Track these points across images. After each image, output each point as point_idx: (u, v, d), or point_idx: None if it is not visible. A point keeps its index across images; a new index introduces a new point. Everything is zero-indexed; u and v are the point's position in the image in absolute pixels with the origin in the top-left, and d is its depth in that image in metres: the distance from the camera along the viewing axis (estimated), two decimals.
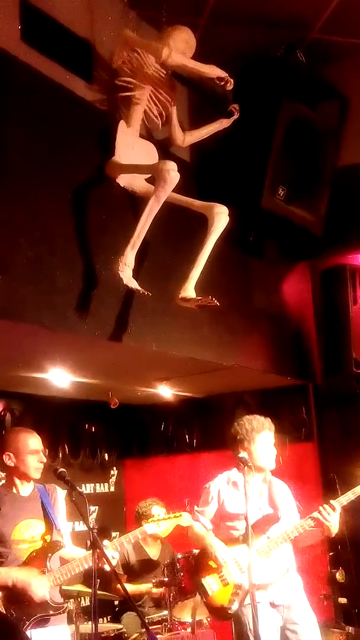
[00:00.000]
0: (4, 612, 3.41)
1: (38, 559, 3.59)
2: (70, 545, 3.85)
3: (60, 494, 3.92)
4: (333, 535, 3.91)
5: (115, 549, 3.72)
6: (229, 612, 3.80)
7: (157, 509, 5.25)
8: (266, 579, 3.79)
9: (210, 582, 3.92)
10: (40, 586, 3.48)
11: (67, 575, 3.60)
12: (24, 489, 3.79)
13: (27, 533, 3.65)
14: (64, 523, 3.87)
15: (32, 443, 3.77)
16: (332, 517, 3.79)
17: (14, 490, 3.78)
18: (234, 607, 3.78)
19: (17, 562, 3.58)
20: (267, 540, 3.87)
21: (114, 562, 3.64)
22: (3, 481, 4.15)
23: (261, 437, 4.01)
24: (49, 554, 3.63)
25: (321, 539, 4.00)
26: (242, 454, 3.89)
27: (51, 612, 3.53)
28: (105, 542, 3.72)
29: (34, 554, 3.60)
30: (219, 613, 3.92)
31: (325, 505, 3.82)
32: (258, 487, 4.05)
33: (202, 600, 4.03)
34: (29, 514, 3.71)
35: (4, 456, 3.78)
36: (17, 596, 3.45)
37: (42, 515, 3.74)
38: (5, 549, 3.59)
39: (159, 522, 3.94)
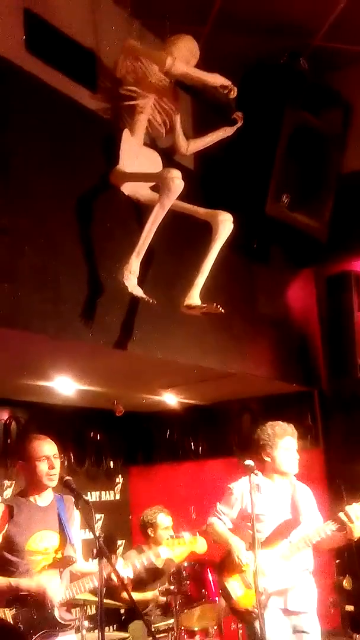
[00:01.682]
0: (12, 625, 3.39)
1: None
2: (81, 560, 3.76)
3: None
4: (356, 539, 3.85)
5: (128, 567, 3.64)
6: (254, 615, 3.81)
7: (163, 517, 5.24)
8: (285, 584, 3.79)
9: (234, 586, 3.96)
10: (55, 591, 3.45)
11: (78, 593, 3.54)
12: (42, 499, 3.67)
13: (42, 544, 3.57)
14: (77, 536, 3.75)
15: (41, 449, 3.63)
16: (358, 520, 3.76)
17: (32, 500, 3.66)
18: (258, 609, 3.76)
19: (29, 574, 3.51)
20: (289, 545, 3.88)
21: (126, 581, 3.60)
22: (10, 488, 4.14)
23: (284, 442, 4.05)
24: (61, 570, 3.56)
25: (344, 542, 3.95)
26: (248, 462, 3.89)
27: (58, 629, 3.48)
28: (120, 561, 3.64)
29: (46, 569, 3.53)
30: (243, 617, 3.96)
31: (349, 508, 3.79)
32: (281, 491, 4.07)
33: (225, 603, 4.05)
34: (45, 525, 3.61)
35: (17, 465, 3.72)
36: (26, 610, 3.43)
37: (57, 527, 3.64)
38: (19, 559, 3.52)
39: (175, 547, 3.81)
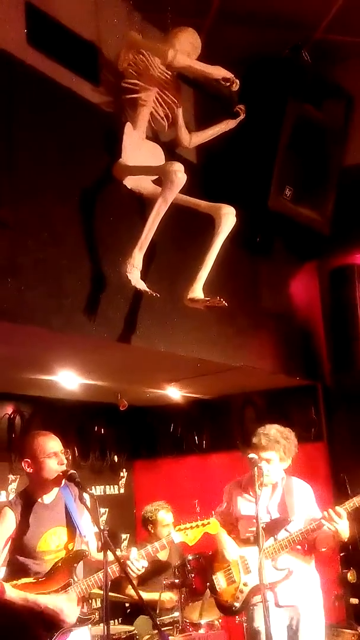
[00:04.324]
0: (33, 624, 3.37)
1: (63, 569, 3.49)
2: (94, 549, 3.70)
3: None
4: (345, 540, 3.89)
5: (143, 558, 3.59)
6: (234, 608, 4.00)
7: (163, 514, 5.22)
8: (268, 580, 3.80)
9: (219, 579, 4.09)
10: (71, 613, 3.42)
11: (94, 587, 3.51)
12: (48, 496, 3.61)
13: (53, 543, 3.53)
14: (88, 526, 3.65)
15: (48, 445, 3.56)
16: (339, 523, 3.78)
17: (38, 499, 3.60)
18: (237, 604, 3.97)
19: (42, 574, 3.48)
20: (273, 543, 3.90)
21: (141, 571, 3.60)
22: (14, 483, 4.09)
23: (264, 454, 4.01)
24: (74, 564, 3.52)
25: (333, 544, 3.97)
26: (252, 455, 3.90)
27: (77, 624, 3.46)
28: (132, 550, 3.61)
29: (59, 565, 3.49)
30: (225, 609, 4.11)
31: (330, 511, 3.81)
32: (267, 491, 4.07)
33: (211, 595, 4.16)
34: (54, 522, 3.56)
35: (22, 463, 3.62)
36: (45, 614, 3.39)
37: (65, 522, 3.58)
38: (31, 559, 3.50)
39: (187, 530, 3.78)
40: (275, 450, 4.01)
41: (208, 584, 4.17)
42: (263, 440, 4.01)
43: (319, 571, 4.13)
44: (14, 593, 3.36)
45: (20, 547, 3.51)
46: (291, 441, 4.08)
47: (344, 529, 3.80)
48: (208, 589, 4.22)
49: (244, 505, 4.10)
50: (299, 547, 3.95)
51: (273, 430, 4.05)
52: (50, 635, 3.37)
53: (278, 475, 4.10)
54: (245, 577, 3.99)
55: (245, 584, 3.97)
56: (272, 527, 3.94)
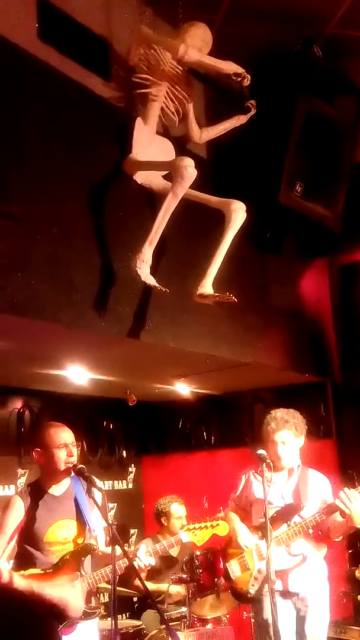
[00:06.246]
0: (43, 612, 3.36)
1: (71, 562, 3.50)
2: (103, 543, 3.71)
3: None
4: (357, 524, 3.87)
5: (151, 555, 3.62)
6: (249, 595, 4.00)
7: (176, 507, 5.25)
8: (280, 567, 3.83)
9: (233, 567, 4.09)
10: (76, 607, 3.42)
11: (101, 581, 3.53)
12: (58, 487, 3.64)
13: (61, 535, 3.55)
14: (97, 521, 3.66)
15: (59, 437, 3.58)
16: (353, 504, 3.77)
17: (48, 490, 3.62)
18: (252, 591, 3.97)
19: (49, 565, 3.49)
20: (287, 529, 3.90)
21: (149, 567, 3.63)
22: (24, 477, 4.11)
23: (278, 436, 4.04)
24: (82, 558, 3.54)
25: (347, 529, 3.95)
26: (260, 451, 3.90)
27: (83, 617, 3.47)
28: (141, 547, 3.63)
29: (67, 557, 3.51)
30: (240, 596, 4.11)
31: (342, 493, 3.80)
32: (282, 477, 4.09)
33: (227, 583, 4.18)
34: (63, 514, 3.58)
35: (33, 453, 3.66)
36: (51, 605, 3.39)
37: (74, 515, 3.60)
38: (38, 550, 3.51)
39: (195, 530, 3.82)
40: (287, 428, 4.06)
41: (222, 569, 4.19)
42: (273, 423, 4.08)
43: (327, 567, 4.12)
44: (21, 583, 3.37)
45: (28, 536, 3.54)
46: (299, 417, 4.15)
47: (358, 513, 3.78)
48: (223, 577, 4.23)
49: (259, 488, 4.10)
50: (311, 531, 3.95)
51: (279, 412, 4.14)
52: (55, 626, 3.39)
53: (294, 460, 4.12)
54: (259, 564, 3.96)
55: (259, 571, 3.95)
56: (286, 513, 3.95)
